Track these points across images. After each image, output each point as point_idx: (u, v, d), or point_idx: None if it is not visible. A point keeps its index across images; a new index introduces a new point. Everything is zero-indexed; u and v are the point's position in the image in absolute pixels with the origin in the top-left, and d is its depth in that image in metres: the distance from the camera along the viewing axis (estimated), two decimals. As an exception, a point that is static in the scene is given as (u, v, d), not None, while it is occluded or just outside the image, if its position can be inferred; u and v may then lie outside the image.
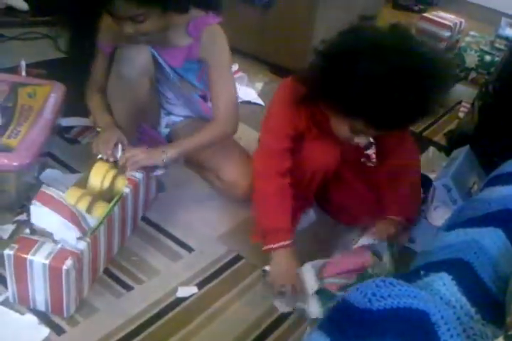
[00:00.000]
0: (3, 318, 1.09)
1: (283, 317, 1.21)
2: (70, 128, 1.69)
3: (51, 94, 1.50)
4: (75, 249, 1.07)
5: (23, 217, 1.32)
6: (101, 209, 1.18)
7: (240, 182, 1.45)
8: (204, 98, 1.54)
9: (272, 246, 1.23)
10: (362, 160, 1.47)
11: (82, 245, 1.08)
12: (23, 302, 1.12)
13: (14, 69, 1.68)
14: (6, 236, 1.27)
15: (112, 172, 1.26)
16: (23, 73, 1.67)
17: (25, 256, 1.04)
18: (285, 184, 1.27)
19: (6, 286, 1.15)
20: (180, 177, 1.58)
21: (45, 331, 1.08)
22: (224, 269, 1.31)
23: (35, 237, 1.08)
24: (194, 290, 1.24)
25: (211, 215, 1.47)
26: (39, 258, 1.04)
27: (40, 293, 1.09)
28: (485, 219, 0.95)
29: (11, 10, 2.35)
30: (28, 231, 1.10)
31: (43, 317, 1.11)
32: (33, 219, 1.08)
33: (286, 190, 1.27)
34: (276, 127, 1.28)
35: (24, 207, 1.35)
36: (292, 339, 1.17)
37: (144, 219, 1.42)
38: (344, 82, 1.06)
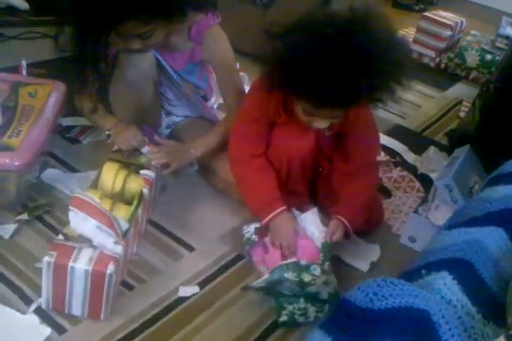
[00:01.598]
0: (4, 317, 1.09)
1: (284, 317, 1.21)
2: (70, 127, 1.69)
3: (52, 94, 1.50)
4: (113, 253, 1.07)
5: (24, 216, 1.32)
6: (122, 211, 1.18)
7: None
8: (204, 98, 1.54)
9: (268, 217, 1.24)
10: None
11: (119, 249, 1.09)
12: (57, 308, 1.11)
13: (15, 69, 1.68)
14: (7, 235, 1.27)
15: (123, 172, 1.27)
16: (24, 72, 1.67)
17: (66, 263, 1.04)
18: (261, 163, 1.29)
19: (12, 289, 1.15)
20: (181, 177, 1.58)
21: (47, 330, 1.08)
22: (225, 269, 1.31)
23: (71, 243, 1.08)
24: (196, 289, 1.24)
25: (212, 215, 1.47)
26: (81, 265, 1.04)
27: (77, 299, 1.08)
28: (486, 218, 0.95)
29: (11, 9, 2.35)
30: (61, 237, 1.09)
31: (45, 317, 1.11)
32: (72, 225, 1.08)
33: (265, 167, 1.29)
34: (244, 111, 1.30)
35: (25, 207, 1.36)
36: (293, 338, 1.17)
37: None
38: (278, 60, 1.08)
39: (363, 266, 1.36)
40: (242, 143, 1.30)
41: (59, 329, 1.10)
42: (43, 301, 1.11)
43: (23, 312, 1.11)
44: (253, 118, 1.27)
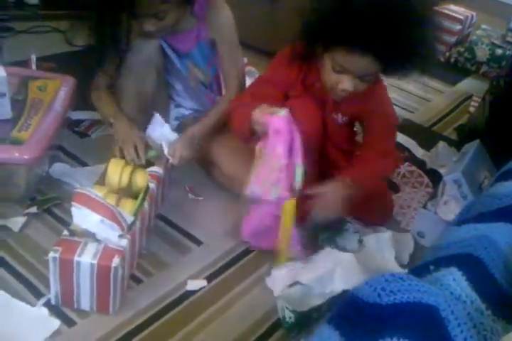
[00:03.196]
0: (13, 310, 1.10)
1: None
2: (79, 121, 1.70)
3: (61, 88, 1.51)
4: (118, 246, 1.08)
5: (33, 209, 1.33)
6: (129, 205, 1.18)
7: (240, 175, 1.41)
8: (210, 87, 1.53)
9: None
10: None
11: (124, 242, 1.09)
12: (66, 304, 1.12)
13: (24, 63, 1.69)
14: (16, 228, 1.28)
15: (128, 168, 1.27)
16: (34, 67, 1.67)
17: (71, 257, 1.04)
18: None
19: (21, 282, 1.16)
20: (188, 171, 1.58)
21: (56, 323, 1.09)
22: (233, 263, 1.31)
23: (76, 238, 1.08)
24: (203, 283, 1.24)
25: (220, 208, 1.48)
26: (86, 259, 1.04)
27: (85, 293, 1.09)
28: (496, 214, 0.94)
29: (20, 3, 2.36)
30: (66, 232, 1.10)
31: (54, 310, 1.12)
32: (75, 221, 1.08)
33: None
34: (262, 77, 1.34)
35: (34, 200, 1.37)
36: (301, 334, 1.17)
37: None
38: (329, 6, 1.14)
39: (404, 258, 1.35)
40: (244, 97, 1.31)
41: (68, 321, 1.10)
42: (52, 297, 1.11)
43: (33, 305, 1.12)
44: (271, 81, 1.28)
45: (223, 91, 1.55)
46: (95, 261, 1.04)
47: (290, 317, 1.13)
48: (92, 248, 1.06)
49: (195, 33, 1.40)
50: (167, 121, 1.58)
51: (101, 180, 1.27)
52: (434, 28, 1.16)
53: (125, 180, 1.25)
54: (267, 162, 1.18)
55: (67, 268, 1.05)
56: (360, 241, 1.35)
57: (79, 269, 1.05)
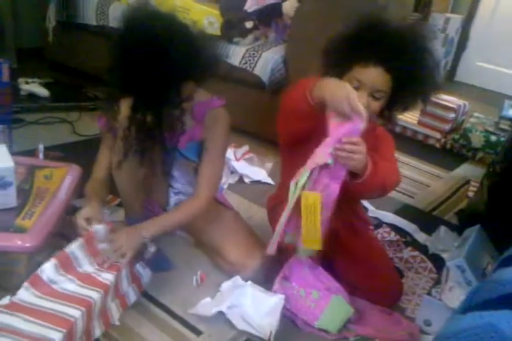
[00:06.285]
0: None
1: None
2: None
3: (67, 176, 1.55)
4: None
5: (31, 298, 1.31)
6: None
7: (246, 263, 1.44)
8: None
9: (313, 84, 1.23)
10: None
11: None
12: None
13: (32, 152, 1.75)
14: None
15: None
16: (41, 156, 1.73)
17: None
18: None
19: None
20: (190, 256, 1.57)
21: None
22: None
23: None
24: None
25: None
26: None
27: None
28: (500, 301, 0.93)
29: (32, 96, 2.49)
30: None
31: None
32: None
33: None
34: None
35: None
36: None
37: (151, 299, 1.40)
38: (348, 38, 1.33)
39: None
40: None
41: None
42: None
43: None
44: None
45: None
46: None
47: None
48: None
49: (190, 133, 1.42)
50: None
51: None
52: (432, 53, 1.31)
53: None
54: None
55: None
56: None
57: None
